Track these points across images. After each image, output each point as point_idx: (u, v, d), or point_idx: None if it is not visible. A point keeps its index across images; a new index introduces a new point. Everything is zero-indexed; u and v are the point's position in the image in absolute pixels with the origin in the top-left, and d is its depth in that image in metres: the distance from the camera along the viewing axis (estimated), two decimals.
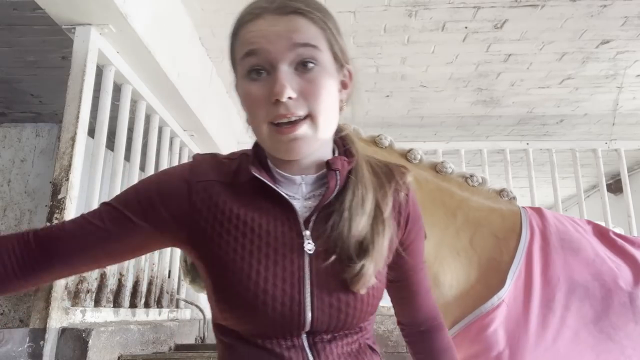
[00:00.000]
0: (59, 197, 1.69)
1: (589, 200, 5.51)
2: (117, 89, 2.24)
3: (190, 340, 2.67)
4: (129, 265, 2.28)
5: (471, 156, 4.37)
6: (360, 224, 0.74)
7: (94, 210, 0.79)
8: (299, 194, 0.77)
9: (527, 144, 3.90)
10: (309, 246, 0.74)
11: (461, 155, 3.82)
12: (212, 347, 2.51)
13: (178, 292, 2.99)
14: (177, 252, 2.98)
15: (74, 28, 1.90)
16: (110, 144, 2.22)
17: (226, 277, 0.73)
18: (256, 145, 0.80)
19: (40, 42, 2.79)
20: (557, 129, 4.31)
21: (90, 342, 1.60)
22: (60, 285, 1.63)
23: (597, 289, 1.21)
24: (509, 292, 1.18)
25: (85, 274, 1.85)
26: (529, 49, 3.01)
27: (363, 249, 0.74)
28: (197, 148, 3.38)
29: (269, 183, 0.74)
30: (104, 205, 0.79)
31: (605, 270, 1.22)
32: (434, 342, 0.93)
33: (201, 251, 0.76)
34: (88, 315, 1.79)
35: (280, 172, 0.77)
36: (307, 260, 0.73)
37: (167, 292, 2.78)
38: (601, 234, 1.36)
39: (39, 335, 1.54)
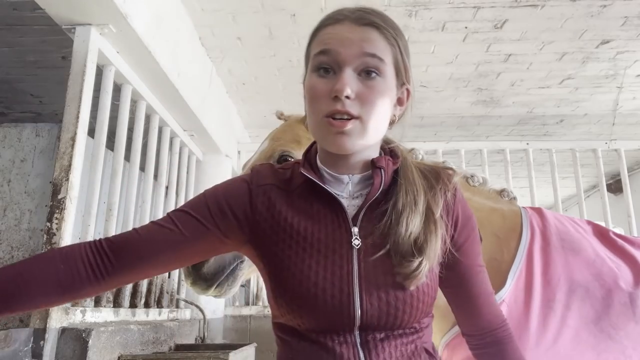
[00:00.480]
0: (59, 197, 1.69)
1: (589, 200, 5.51)
2: (117, 89, 2.23)
3: (190, 340, 2.67)
4: None
5: (471, 156, 4.37)
6: (414, 223, 0.78)
7: (163, 217, 0.84)
8: (346, 192, 0.83)
9: (527, 144, 3.90)
10: (356, 242, 0.79)
11: (461, 155, 3.82)
12: (212, 347, 2.51)
13: (178, 292, 2.99)
14: None
15: (74, 28, 1.90)
16: (110, 144, 2.22)
17: (282, 274, 0.79)
18: (307, 152, 0.88)
19: (40, 42, 2.79)
20: (557, 129, 4.31)
21: (90, 342, 1.60)
22: None
23: (598, 289, 1.21)
24: (509, 292, 1.18)
25: None
26: (529, 49, 3.01)
27: (418, 247, 0.77)
28: (197, 148, 3.38)
29: (316, 180, 0.81)
30: (174, 212, 0.85)
31: (606, 271, 1.22)
32: (503, 355, 0.89)
33: (261, 250, 0.82)
34: (88, 315, 1.79)
35: (329, 171, 0.83)
36: (355, 255, 0.78)
37: (167, 292, 2.78)
38: (601, 234, 1.36)
39: (39, 335, 1.54)
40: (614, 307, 1.19)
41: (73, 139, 1.76)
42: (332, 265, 0.77)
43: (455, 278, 0.88)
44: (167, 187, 2.84)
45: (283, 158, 1.25)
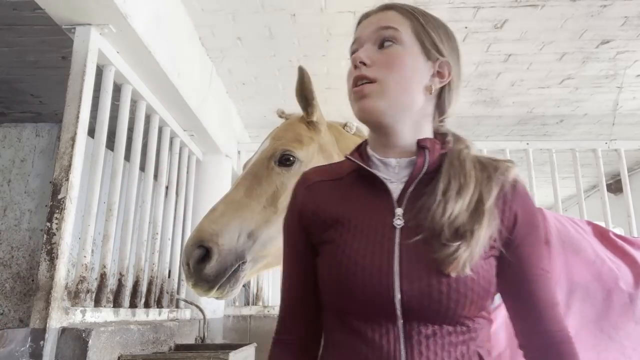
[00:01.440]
0: (59, 197, 1.69)
1: (589, 200, 5.51)
2: (117, 89, 2.23)
3: (190, 340, 2.67)
4: (129, 265, 2.28)
5: None
6: (455, 210, 0.76)
7: (285, 268, 0.91)
8: (395, 176, 0.85)
9: (527, 144, 3.90)
10: (398, 222, 0.79)
11: None
12: (212, 347, 2.51)
13: (178, 292, 2.99)
14: (177, 252, 2.98)
15: (74, 28, 1.90)
16: (110, 144, 2.22)
17: (327, 256, 0.82)
18: (360, 144, 0.92)
19: (40, 42, 2.79)
20: (557, 129, 4.31)
21: (90, 342, 1.60)
22: (60, 285, 1.63)
23: (598, 290, 1.21)
24: None
25: (85, 274, 1.85)
26: (529, 49, 3.01)
27: (459, 234, 0.75)
28: (197, 148, 3.38)
29: (359, 162, 0.85)
30: (286, 250, 0.91)
31: (606, 271, 1.22)
32: None
33: (314, 243, 0.87)
34: (88, 315, 1.79)
35: (377, 156, 0.87)
36: (397, 235, 0.78)
37: (167, 292, 2.78)
38: (601, 234, 1.36)
39: (39, 335, 1.54)
40: (614, 308, 1.19)
41: (73, 139, 1.76)
42: (373, 244, 0.78)
43: (510, 280, 0.82)
44: (167, 187, 2.84)
45: (284, 157, 1.25)
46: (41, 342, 1.53)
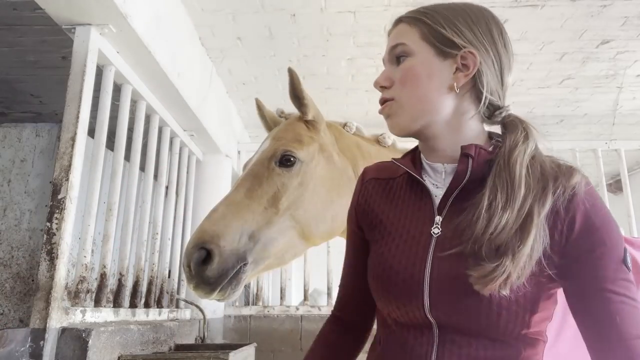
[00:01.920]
0: (59, 197, 1.69)
1: None
2: (117, 89, 2.23)
3: (190, 340, 2.67)
4: (129, 265, 2.28)
5: None
6: (499, 226, 0.70)
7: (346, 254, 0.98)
8: (442, 182, 0.84)
9: None
10: (436, 230, 0.79)
11: None
12: (212, 347, 2.51)
13: (178, 292, 2.99)
14: (177, 252, 2.98)
15: (74, 28, 1.90)
16: (110, 144, 2.22)
17: (370, 258, 0.87)
18: (415, 147, 0.94)
19: (40, 42, 2.79)
20: (557, 129, 4.31)
21: (90, 342, 1.60)
22: (60, 285, 1.63)
23: None
24: None
25: (85, 274, 1.85)
26: (529, 49, 3.01)
27: (500, 253, 0.69)
28: (197, 148, 3.38)
29: (402, 166, 0.88)
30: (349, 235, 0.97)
31: None
32: None
33: (366, 236, 0.91)
34: (88, 315, 1.79)
35: (427, 161, 0.88)
36: (433, 243, 0.78)
37: (167, 292, 2.78)
38: None
39: (39, 335, 1.54)
40: None
41: (73, 139, 1.76)
42: (409, 250, 0.79)
43: (573, 300, 0.74)
44: (167, 187, 2.84)
45: (285, 158, 1.24)
46: (41, 342, 1.53)
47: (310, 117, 1.34)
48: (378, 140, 1.51)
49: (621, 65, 3.22)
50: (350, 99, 3.63)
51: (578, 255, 0.72)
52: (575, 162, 3.79)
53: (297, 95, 1.32)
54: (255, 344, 2.55)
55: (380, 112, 0.89)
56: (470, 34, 0.83)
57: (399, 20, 0.91)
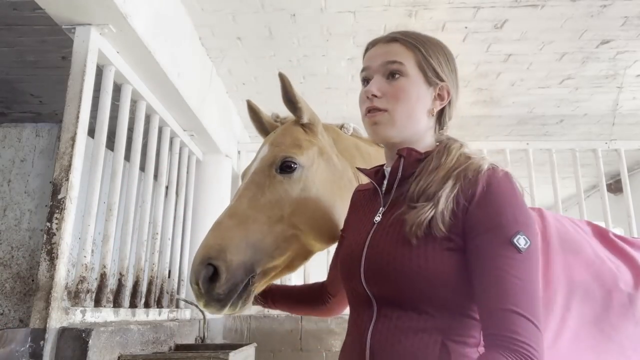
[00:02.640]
0: (59, 197, 1.69)
1: (589, 200, 5.51)
2: (117, 89, 2.23)
3: (190, 340, 2.67)
4: (129, 265, 2.28)
5: None
6: (427, 183, 0.91)
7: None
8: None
9: (527, 144, 3.90)
10: (378, 218, 0.97)
11: None
12: (212, 347, 2.51)
13: (178, 292, 2.99)
14: (177, 252, 2.98)
15: (74, 28, 1.90)
16: (110, 144, 2.22)
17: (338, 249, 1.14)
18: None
19: (40, 42, 2.79)
20: (557, 129, 4.31)
21: (90, 342, 1.60)
22: (60, 285, 1.63)
23: (597, 290, 1.20)
24: None
25: (85, 274, 1.85)
26: (529, 49, 3.01)
27: (426, 200, 0.89)
28: (197, 148, 3.38)
29: (366, 174, 1.06)
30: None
31: (605, 272, 1.22)
32: None
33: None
34: (88, 315, 1.79)
35: (386, 168, 1.04)
36: (373, 228, 0.96)
37: (167, 292, 2.78)
38: (601, 235, 1.35)
39: (39, 335, 1.54)
40: (614, 308, 1.19)
41: (73, 139, 1.76)
42: (356, 237, 0.98)
43: (469, 269, 0.84)
44: (167, 187, 2.84)
45: (285, 165, 1.21)
46: (41, 342, 1.53)
47: (306, 120, 1.32)
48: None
49: (621, 65, 3.22)
50: (350, 99, 3.63)
51: (471, 227, 0.85)
52: (575, 162, 3.79)
53: (290, 99, 1.31)
54: (255, 344, 2.55)
55: (368, 117, 1.00)
56: (447, 69, 1.03)
57: (395, 39, 1.02)
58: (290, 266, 1.20)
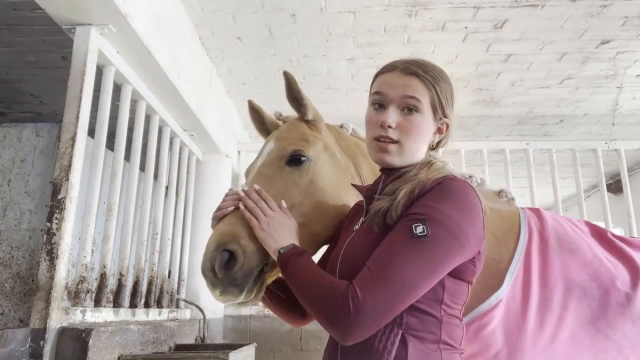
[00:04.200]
0: (59, 197, 1.69)
1: (589, 200, 5.51)
2: (117, 89, 2.24)
3: (190, 340, 2.68)
4: (129, 265, 2.28)
5: (471, 156, 4.37)
6: (391, 189, 1.02)
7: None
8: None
9: (527, 144, 3.90)
10: (357, 227, 1.08)
11: (461, 155, 3.82)
12: (212, 347, 2.52)
13: (178, 292, 2.99)
14: (177, 252, 2.99)
15: (74, 28, 1.90)
16: (110, 144, 2.22)
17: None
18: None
19: (40, 42, 2.79)
20: (557, 129, 4.31)
21: (90, 342, 1.61)
22: (60, 285, 1.63)
23: (595, 290, 1.21)
24: (507, 292, 1.18)
25: (85, 274, 1.85)
26: (529, 49, 3.01)
27: (387, 195, 1.02)
28: (197, 148, 3.38)
29: (355, 189, 1.21)
30: None
31: (603, 271, 1.23)
32: None
33: None
34: (88, 315, 1.79)
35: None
36: (352, 235, 1.07)
37: (167, 292, 2.78)
38: (599, 234, 1.36)
39: (39, 335, 1.54)
40: (611, 308, 1.20)
41: (73, 139, 1.76)
42: (340, 245, 1.08)
43: None
44: (167, 187, 2.84)
45: (294, 157, 1.22)
46: (41, 342, 1.53)
47: (310, 117, 1.33)
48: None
49: (621, 65, 3.22)
50: (350, 99, 3.63)
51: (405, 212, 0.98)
52: (575, 162, 3.79)
53: (295, 96, 1.32)
54: (255, 344, 2.55)
55: (378, 144, 1.05)
56: (450, 106, 1.09)
57: (415, 74, 1.06)
58: None
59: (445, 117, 1.09)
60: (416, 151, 1.07)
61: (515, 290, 1.20)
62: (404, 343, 0.90)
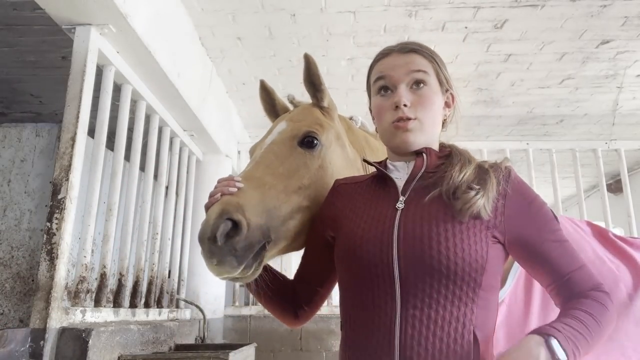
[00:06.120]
0: (59, 197, 1.69)
1: (589, 200, 5.51)
2: (117, 89, 2.23)
3: (190, 340, 2.67)
4: (129, 265, 2.28)
5: None
6: (466, 175, 0.97)
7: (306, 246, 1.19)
8: (404, 175, 1.05)
9: (527, 144, 3.90)
10: (400, 205, 0.98)
11: None
12: (212, 347, 2.51)
13: (178, 292, 2.99)
14: (177, 252, 2.98)
15: (74, 28, 1.90)
16: (110, 144, 2.22)
17: (340, 238, 1.03)
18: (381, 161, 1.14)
19: (40, 42, 2.79)
20: (557, 129, 4.31)
21: (90, 342, 1.60)
22: (60, 285, 1.63)
23: None
24: (509, 292, 1.18)
25: (85, 274, 1.85)
26: (529, 49, 3.01)
27: (473, 187, 0.95)
28: (197, 148, 3.38)
29: (376, 166, 1.08)
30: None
31: (605, 272, 1.22)
32: None
33: (334, 231, 1.06)
34: (88, 315, 1.79)
35: (393, 163, 1.08)
36: (398, 214, 0.97)
37: (167, 292, 2.78)
38: (601, 235, 1.35)
39: (39, 335, 1.54)
40: None
41: (73, 139, 1.76)
42: (377, 222, 0.97)
43: (519, 250, 0.96)
44: (167, 187, 2.84)
45: (307, 139, 1.19)
46: (41, 342, 1.53)
47: (325, 104, 1.32)
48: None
49: (621, 65, 3.22)
50: (350, 98, 3.63)
51: (514, 212, 0.96)
52: (575, 162, 3.79)
53: (313, 80, 1.30)
54: (255, 344, 2.55)
55: (398, 126, 1.02)
56: (450, 79, 1.10)
57: (413, 50, 1.07)
58: (297, 241, 1.18)
59: (450, 88, 1.10)
60: (434, 125, 1.06)
61: (518, 291, 1.20)
62: (476, 341, 0.86)
